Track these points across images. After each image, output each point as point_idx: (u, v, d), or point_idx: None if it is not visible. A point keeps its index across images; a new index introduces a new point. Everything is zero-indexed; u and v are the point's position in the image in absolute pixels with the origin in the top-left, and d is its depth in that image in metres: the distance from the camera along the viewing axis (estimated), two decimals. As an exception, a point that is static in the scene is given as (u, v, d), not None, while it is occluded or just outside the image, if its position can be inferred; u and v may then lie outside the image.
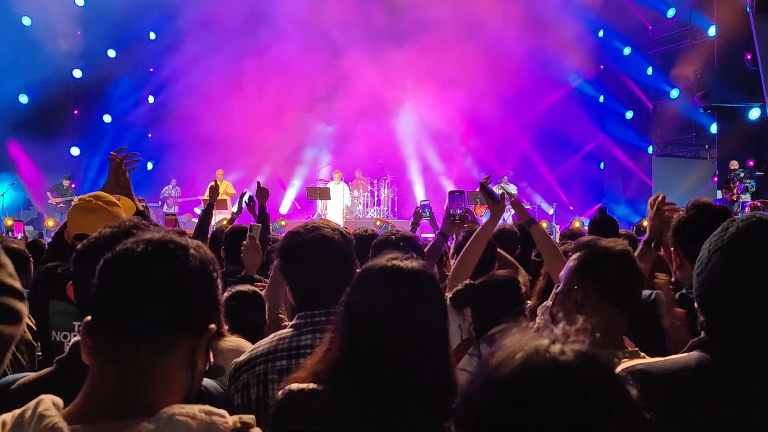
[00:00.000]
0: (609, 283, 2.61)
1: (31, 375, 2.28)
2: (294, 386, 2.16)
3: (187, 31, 20.31)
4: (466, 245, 4.18)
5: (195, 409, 1.52)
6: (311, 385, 2.14)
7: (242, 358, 2.73)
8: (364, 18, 20.90)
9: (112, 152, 4.53)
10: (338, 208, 18.81)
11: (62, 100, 20.47)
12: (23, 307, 1.32)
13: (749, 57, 17.45)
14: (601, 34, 22.16)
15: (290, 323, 2.82)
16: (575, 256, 2.81)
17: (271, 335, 2.81)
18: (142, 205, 4.45)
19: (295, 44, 21.09)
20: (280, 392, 2.19)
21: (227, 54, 20.55)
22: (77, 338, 2.26)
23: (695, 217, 3.10)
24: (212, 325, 1.68)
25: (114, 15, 20.00)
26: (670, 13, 20.65)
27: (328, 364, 2.17)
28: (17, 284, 1.31)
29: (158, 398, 1.55)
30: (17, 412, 1.52)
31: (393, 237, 4.45)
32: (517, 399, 1.12)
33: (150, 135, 21.20)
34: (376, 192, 20.20)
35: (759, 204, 10.88)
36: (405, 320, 2.10)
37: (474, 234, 4.23)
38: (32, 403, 1.52)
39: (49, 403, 1.52)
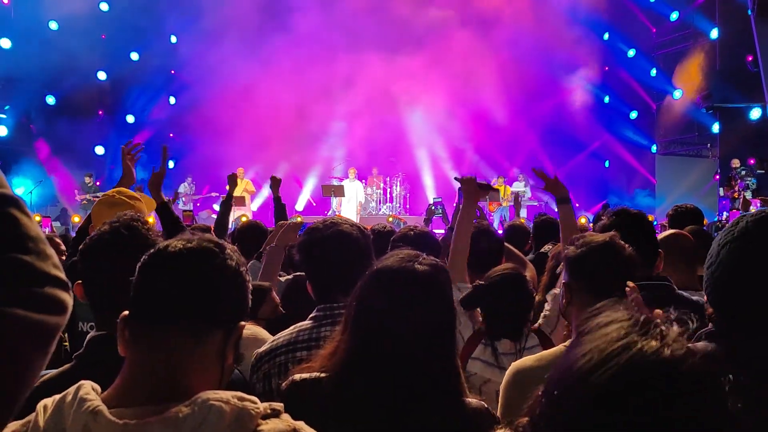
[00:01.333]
0: (591, 276, 2.68)
1: (52, 372, 2.28)
2: (297, 376, 2.19)
3: (207, 34, 20.59)
4: (454, 231, 4.17)
5: (228, 394, 1.56)
6: (314, 374, 2.17)
7: (263, 348, 2.76)
8: (376, 19, 21.22)
9: (122, 145, 4.63)
10: (352, 205, 19.05)
11: (87, 101, 20.86)
12: (68, 298, 1.27)
13: (750, 59, 17.64)
14: (606, 36, 22.44)
15: (310, 315, 2.84)
16: (565, 252, 2.90)
17: (292, 327, 2.84)
18: (167, 199, 4.45)
19: (311, 44, 21.44)
20: (283, 383, 2.23)
21: (245, 56, 20.75)
22: (93, 333, 2.37)
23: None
24: (242, 323, 1.75)
25: (136, 19, 20.46)
26: (673, 16, 21.00)
27: (338, 359, 2.17)
28: (62, 275, 1.28)
29: (192, 384, 1.61)
30: (57, 396, 1.56)
31: (411, 233, 4.48)
32: (625, 402, 1.04)
33: (171, 134, 21.49)
34: (388, 189, 20.45)
35: (759, 201, 11.19)
36: (416, 320, 2.10)
37: (458, 219, 4.21)
38: (72, 389, 1.56)
39: (89, 387, 1.56)
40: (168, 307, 1.64)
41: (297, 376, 2.18)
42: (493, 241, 4.69)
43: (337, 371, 2.14)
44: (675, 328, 1.10)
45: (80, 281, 2.41)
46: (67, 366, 2.29)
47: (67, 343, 3.32)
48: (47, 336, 1.22)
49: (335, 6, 21.37)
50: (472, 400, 2.13)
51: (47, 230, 10.82)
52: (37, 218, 14.53)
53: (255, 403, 1.56)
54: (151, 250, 1.74)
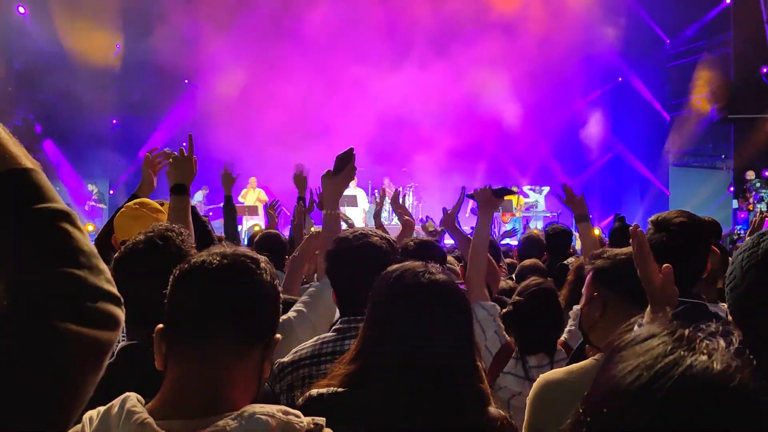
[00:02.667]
0: (623, 287, 2.70)
1: None
2: (314, 391, 2.18)
3: (218, 43, 20.83)
4: (470, 252, 4.10)
5: (274, 408, 1.59)
6: (331, 389, 2.15)
7: (287, 359, 2.78)
8: (388, 26, 21.42)
9: (146, 153, 4.59)
10: (357, 213, 18.86)
11: (101, 109, 21.01)
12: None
13: (765, 70, 17.67)
14: (619, 47, 22.39)
15: (334, 327, 2.88)
16: (588, 268, 2.95)
17: (315, 338, 2.86)
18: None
19: (318, 52, 21.61)
20: (301, 398, 2.23)
21: (257, 65, 20.93)
22: (124, 343, 2.39)
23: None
24: (278, 335, 1.78)
25: (150, 31, 20.62)
26: (688, 27, 21.05)
27: (354, 373, 2.17)
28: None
29: (236, 398, 1.63)
30: (102, 408, 1.58)
31: (412, 244, 4.30)
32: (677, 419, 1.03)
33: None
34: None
35: None
36: (433, 330, 2.10)
37: (474, 235, 4.17)
38: (118, 400, 1.59)
39: (135, 399, 1.58)
40: (209, 323, 1.67)
41: (314, 391, 2.18)
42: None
43: (353, 385, 2.14)
44: (721, 342, 1.09)
45: None
46: None
47: None
48: (100, 351, 1.25)
49: (343, 11, 21.46)
50: (493, 410, 2.12)
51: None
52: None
53: (299, 417, 1.60)
54: (187, 264, 1.76)
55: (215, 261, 1.72)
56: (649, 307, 2.45)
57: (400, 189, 5.79)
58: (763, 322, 1.96)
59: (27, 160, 1.29)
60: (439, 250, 4.38)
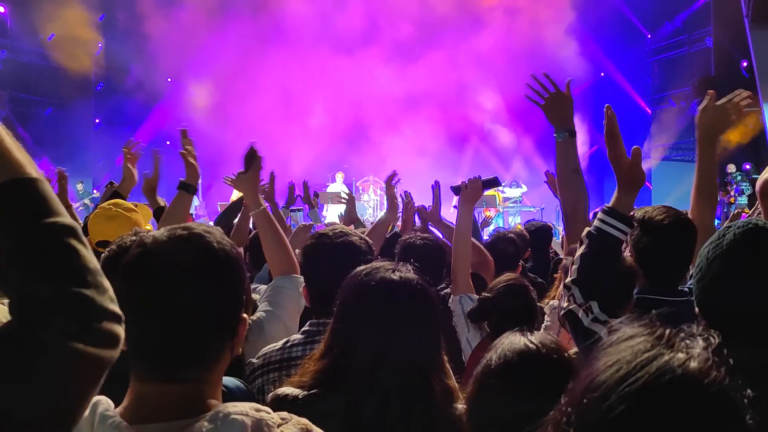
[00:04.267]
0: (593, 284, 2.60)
1: None
2: (281, 391, 2.18)
3: (204, 40, 20.85)
4: (453, 243, 4.10)
5: (246, 406, 1.57)
6: (302, 392, 2.14)
7: (257, 362, 2.73)
8: (379, 27, 21.47)
9: (123, 148, 4.64)
10: (336, 209, 18.88)
11: (85, 111, 20.95)
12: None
13: (745, 64, 17.76)
14: (602, 43, 22.60)
15: (302, 329, 2.82)
16: (564, 263, 3.02)
17: (284, 340, 2.79)
18: (163, 203, 4.38)
19: (302, 47, 21.67)
20: (269, 398, 2.21)
21: (242, 65, 21.07)
22: None
23: None
24: (244, 315, 1.70)
25: (131, 30, 20.53)
26: (669, 22, 21.16)
27: (325, 368, 2.17)
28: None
29: (208, 395, 1.61)
30: None
31: (419, 242, 4.35)
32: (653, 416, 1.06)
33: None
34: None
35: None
36: (400, 330, 2.10)
37: (455, 227, 4.16)
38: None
39: (106, 404, 1.57)
40: (165, 348, 1.58)
41: (280, 391, 2.18)
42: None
43: (324, 382, 2.14)
44: (700, 341, 1.13)
45: None
46: None
47: None
48: (101, 368, 1.27)
49: (332, 9, 21.54)
50: (461, 406, 2.12)
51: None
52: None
53: (269, 413, 1.58)
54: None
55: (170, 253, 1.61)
56: (616, 189, 2.56)
57: (395, 172, 5.75)
58: (727, 310, 2.00)
59: (32, 169, 1.30)
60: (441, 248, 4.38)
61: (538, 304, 4.04)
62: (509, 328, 3.41)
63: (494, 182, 4.50)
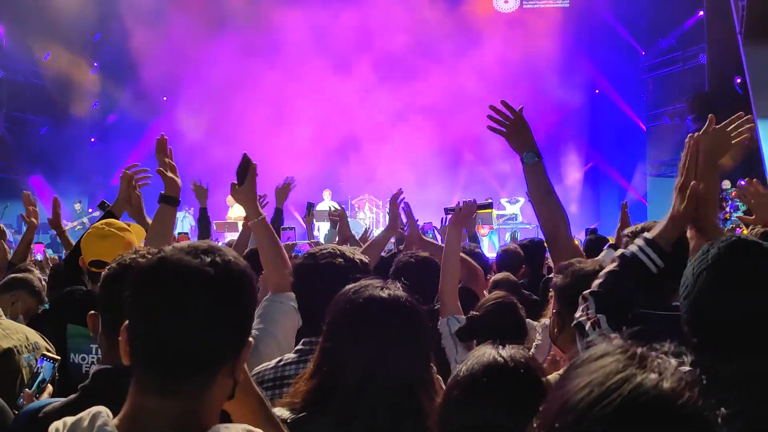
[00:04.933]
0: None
1: (57, 402, 2.31)
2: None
3: (197, 57, 21.00)
4: (441, 265, 4.08)
5: (239, 428, 1.59)
6: (286, 413, 2.14)
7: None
8: (370, 43, 21.57)
9: (123, 169, 4.52)
10: (326, 226, 18.74)
11: (80, 130, 20.97)
12: None
13: (739, 81, 17.81)
14: (596, 60, 22.67)
15: (295, 348, 2.82)
16: (552, 283, 2.99)
17: (277, 359, 2.78)
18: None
19: (295, 65, 21.80)
20: None
21: (235, 81, 21.19)
22: (97, 367, 2.37)
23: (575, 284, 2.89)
24: (250, 339, 1.68)
25: (126, 48, 20.60)
26: (663, 39, 21.26)
27: (315, 387, 2.18)
28: None
29: (206, 416, 1.59)
30: (70, 420, 1.57)
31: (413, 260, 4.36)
32: None
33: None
34: (381, 213, 20.51)
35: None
36: (388, 347, 2.11)
37: (444, 249, 4.19)
38: (87, 413, 1.57)
39: (106, 416, 1.55)
40: (170, 356, 1.56)
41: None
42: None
43: (314, 403, 2.15)
44: (672, 361, 1.12)
45: (93, 312, 2.42)
46: (72, 397, 2.30)
47: (56, 375, 3.29)
48: None
49: (324, 26, 21.70)
50: None
51: (40, 256, 10.62)
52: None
53: None
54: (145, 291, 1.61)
55: (168, 289, 1.58)
56: (667, 219, 2.57)
57: (401, 191, 5.75)
58: (715, 323, 2.02)
59: None
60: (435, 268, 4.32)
61: (533, 322, 4.05)
62: None
63: (488, 205, 4.52)
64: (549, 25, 21.91)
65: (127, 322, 1.62)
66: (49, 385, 3.09)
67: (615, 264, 2.54)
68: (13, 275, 4.90)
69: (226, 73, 21.32)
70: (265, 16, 21.22)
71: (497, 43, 21.32)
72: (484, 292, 4.86)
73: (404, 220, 5.99)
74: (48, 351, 3.44)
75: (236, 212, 18.41)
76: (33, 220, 6.31)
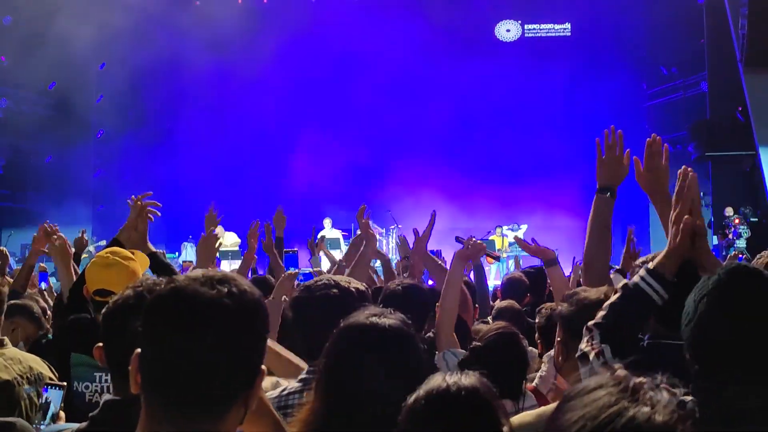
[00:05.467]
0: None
1: (68, 429, 2.36)
2: None
3: (199, 90, 21.22)
4: (441, 298, 4.09)
5: None
6: None
7: None
8: (369, 70, 21.74)
9: (133, 196, 4.49)
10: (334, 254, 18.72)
11: (85, 159, 21.09)
12: None
13: (740, 108, 17.89)
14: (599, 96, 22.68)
15: (299, 377, 2.83)
16: (556, 313, 3.03)
17: (280, 388, 2.81)
18: (160, 252, 4.41)
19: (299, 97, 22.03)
20: None
21: (234, 112, 21.46)
22: (108, 397, 2.37)
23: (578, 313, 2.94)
24: (263, 368, 1.67)
25: (131, 77, 20.79)
26: (664, 67, 21.37)
27: (312, 417, 2.19)
28: None
29: None
30: None
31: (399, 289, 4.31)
32: None
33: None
34: (384, 241, 20.41)
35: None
36: (382, 380, 2.11)
37: (446, 281, 4.17)
38: None
39: None
40: (184, 387, 1.54)
41: None
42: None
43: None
44: (665, 394, 1.13)
45: (101, 344, 2.41)
46: (84, 424, 2.31)
47: (62, 403, 3.24)
48: None
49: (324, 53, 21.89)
50: None
51: (44, 285, 10.58)
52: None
53: None
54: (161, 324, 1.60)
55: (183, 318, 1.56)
56: (666, 251, 2.56)
57: (364, 206, 5.73)
58: (715, 349, 2.02)
59: None
60: (424, 295, 4.30)
61: (535, 350, 4.04)
62: (500, 378, 3.48)
63: (496, 258, 4.62)
64: (551, 54, 22.08)
65: (138, 350, 1.60)
66: (61, 412, 3.09)
67: (618, 295, 2.55)
68: (12, 302, 4.90)
69: (228, 99, 21.73)
70: (266, 41, 21.42)
71: (499, 72, 21.49)
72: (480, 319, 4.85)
73: (379, 231, 6.00)
74: (51, 380, 3.43)
75: (228, 239, 18.45)
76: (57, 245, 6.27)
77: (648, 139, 3.59)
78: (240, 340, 1.58)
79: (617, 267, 4.89)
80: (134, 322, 2.20)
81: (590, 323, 2.55)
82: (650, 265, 2.53)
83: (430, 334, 4.17)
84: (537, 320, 4.19)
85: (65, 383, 3.22)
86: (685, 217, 2.54)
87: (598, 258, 3.59)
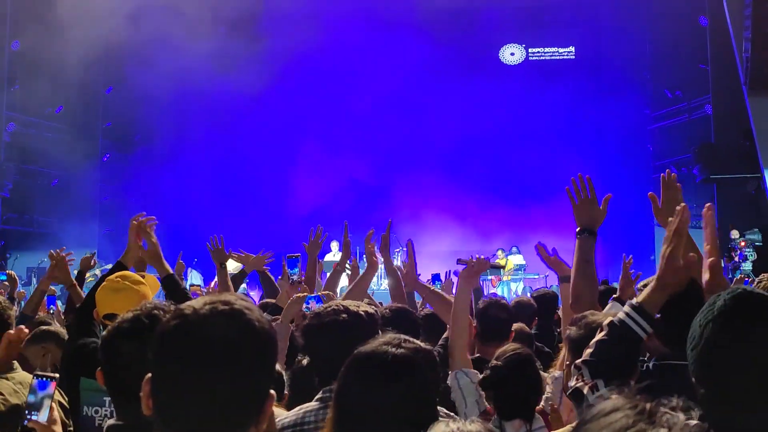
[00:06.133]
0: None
1: None
2: None
3: (205, 110, 21.40)
4: (452, 318, 4.15)
5: None
6: None
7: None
8: (372, 92, 21.85)
9: (131, 219, 4.53)
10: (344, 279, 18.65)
11: (91, 182, 21.20)
12: None
13: (745, 131, 17.94)
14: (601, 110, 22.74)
15: (316, 397, 2.88)
16: (564, 336, 3.11)
17: (298, 407, 2.86)
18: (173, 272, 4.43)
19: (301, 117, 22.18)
20: None
21: (240, 132, 21.73)
22: (111, 422, 2.39)
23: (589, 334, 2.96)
24: (272, 392, 1.67)
25: (137, 103, 20.94)
26: (668, 90, 21.45)
27: None
28: None
29: None
30: None
31: (387, 312, 4.45)
32: None
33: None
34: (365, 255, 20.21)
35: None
36: (389, 404, 2.15)
37: (454, 301, 4.22)
38: None
39: None
40: (196, 421, 1.55)
41: None
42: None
43: None
44: (681, 416, 1.13)
45: (101, 369, 2.43)
46: None
47: (71, 428, 3.32)
48: None
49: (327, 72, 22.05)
50: None
51: (53, 308, 10.64)
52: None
53: None
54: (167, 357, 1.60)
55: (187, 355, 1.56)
56: (653, 285, 2.60)
57: (372, 231, 5.82)
58: (721, 374, 2.02)
59: None
60: (412, 319, 4.43)
61: (544, 374, 4.06)
62: (511, 400, 3.51)
63: (498, 267, 4.63)
64: (555, 77, 22.18)
65: (149, 375, 1.61)
66: (53, 404, 3.00)
67: (604, 333, 2.58)
68: (44, 327, 4.96)
69: (234, 119, 21.87)
70: (272, 60, 21.60)
71: (503, 94, 21.60)
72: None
73: (379, 258, 6.02)
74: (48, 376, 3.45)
75: (230, 265, 18.36)
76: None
77: (663, 175, 3.91)
78: (251, 373, 1.58)
79: (615, 296, 4.91)
80: (129, 347, 2.32)
81: (578, 361, 2.59)
82: (635, 301, 2.57)
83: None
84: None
85: (57, 375, 3.15)
86: (690, 254, 2.59)
87: (585, 291, 3.78)
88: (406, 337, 2.35)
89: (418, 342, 2.35)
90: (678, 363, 2.67)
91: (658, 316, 2.71)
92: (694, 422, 1.13)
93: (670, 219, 2.66)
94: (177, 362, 1.56)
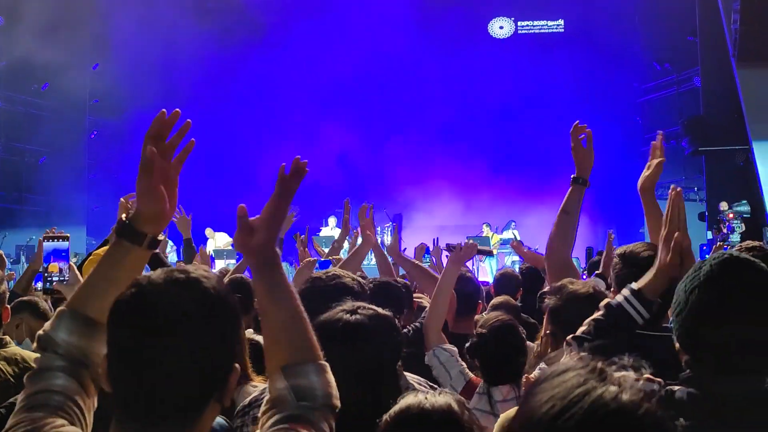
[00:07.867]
0: (573, 327, 2.66)
1: None
2: None
3: (195, 86, 21.29)
4: (432, 298, 4.19)
5: None
6: None
7: (246, 401, 2.71)
8: (363, 71, 21.88)
9: (122, 198, 4.48)
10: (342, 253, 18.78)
11: (78, 160, 21.12)
12: None
13: (733, 103, 17.97)
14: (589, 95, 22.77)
15: None
16: (545, 305, 3.08)
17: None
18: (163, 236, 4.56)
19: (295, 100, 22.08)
20: None
21: (230, 109, 21.65)
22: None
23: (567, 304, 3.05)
24: (236, 365, 1.60)
25: (125, 80, 20.82)
26: (657, 62, 21.46)
27: None
28: None
29: None
30: None
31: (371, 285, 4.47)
32: None
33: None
34: (380, 239, 20.36)
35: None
36: (347, 369, 2.09)
37: (438, 284, 4.22)
38: None
39: None
40: (153, 399, 1.49)
41: None
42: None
43: None
44: (631, 374, 1.18)
45: None
46: None
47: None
48: None
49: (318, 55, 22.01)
50: None
51: (39, 285, 10.56)
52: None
53: None
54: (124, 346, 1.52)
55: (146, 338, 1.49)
56: (653, 272, 2.58)
57: (369, 205, 5.77)
58: (707, 338, 2.03)
59: None
60: (397, 291, 4.42)
61: (531, 344, 4.09)
62: (498, 366, 3.59)
63: (489, 253, 4.65)
64: (544, 50, 22.15)
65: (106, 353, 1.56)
66: (71, 263, 2.97)
67: (601, 313, 2.58)
68: (18, 299, 4.94)
69: (225, 94, 21.89)
70: (262, 32, 21.55)
71: (492, 68, 21.57)
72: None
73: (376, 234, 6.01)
74: None
75: (221, 240, 18.46)
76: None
77: (655, 141, 3.92)
78: (208, 344, 1.52)
79: (598, 271, 4.96)
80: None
81: (570, 337, 2.59)
82: (635, 286, 2.56)
83: (408, 329, 4.24)
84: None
85: (69, 234, 3.15)
86: (676, 234, 2.59)
87: (558, 245, 3.75)
88: (364, 305, 2.41)
89: (376, 308, 2.41)
90: (640, 332, 2.69)
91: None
92: (671, 387, 1.17)
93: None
94: (129, 332, 1.50)
